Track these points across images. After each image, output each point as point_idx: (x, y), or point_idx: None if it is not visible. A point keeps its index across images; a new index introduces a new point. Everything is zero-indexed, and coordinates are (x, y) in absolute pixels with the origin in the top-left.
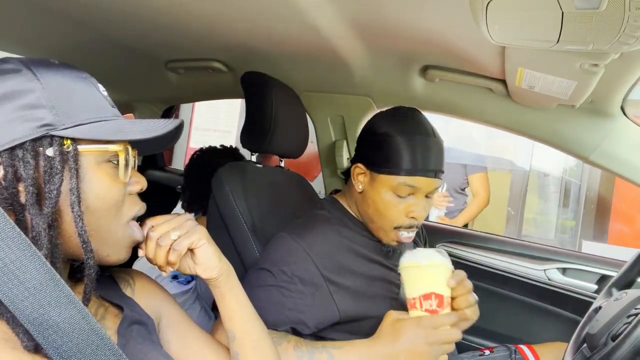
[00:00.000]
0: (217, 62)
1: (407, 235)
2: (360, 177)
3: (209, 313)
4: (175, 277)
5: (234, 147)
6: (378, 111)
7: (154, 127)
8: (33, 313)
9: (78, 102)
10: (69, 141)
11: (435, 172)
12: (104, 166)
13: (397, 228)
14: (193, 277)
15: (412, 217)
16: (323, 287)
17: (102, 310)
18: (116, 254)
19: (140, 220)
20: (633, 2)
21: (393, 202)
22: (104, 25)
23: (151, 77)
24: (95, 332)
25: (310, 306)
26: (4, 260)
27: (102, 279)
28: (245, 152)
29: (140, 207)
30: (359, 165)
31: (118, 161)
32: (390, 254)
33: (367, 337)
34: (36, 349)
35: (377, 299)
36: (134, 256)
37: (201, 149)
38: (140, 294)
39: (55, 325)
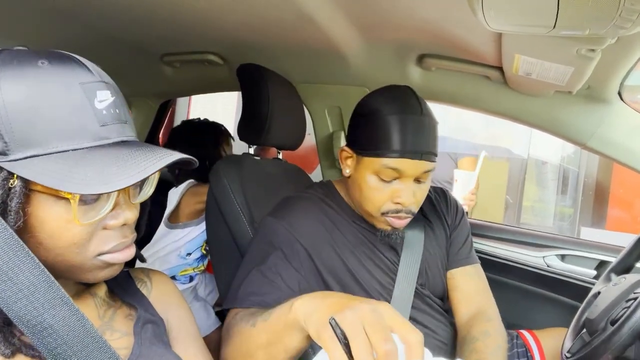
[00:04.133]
0: (212, 54)
1: (398, 222)
2: (348, 160)
3: (208, 310)
4: (173, 277)
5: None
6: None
7: (131, 171)
8: (27, 315)
9: (43, 127)
10: (15, 176)
11: (422, 154)
12: (57, 206)
13: (384, 214)
14: (192, 278)
15: (398, 203)
16: (307, 261)
17: (111, 312)
18: (91, 278)
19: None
20: None
21: (377, 186)
22: (98, 20)
23: (147, 72)
24: (89, 334)
25: (296, 279)
26: None
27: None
28: (242, 145)
29: (117, 243)
30: (345, 148)
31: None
32: (385, 240)
33: None
34: (13, 353)
35: (366, 280)
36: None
37: (183, 121)
38: (156, 295)
39: (49, 327)
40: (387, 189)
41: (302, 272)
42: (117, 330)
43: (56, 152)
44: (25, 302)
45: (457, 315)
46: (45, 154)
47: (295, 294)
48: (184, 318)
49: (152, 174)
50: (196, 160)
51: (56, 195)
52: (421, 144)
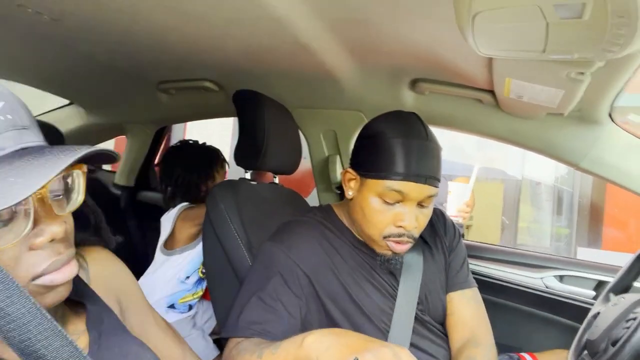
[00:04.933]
0: (208, 81)
1: (399, 247)
2: (352, 182)
3: (206, 338)
4: (172, 306)
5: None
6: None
7: (31, 180)
8: (20, 344)
9: None
10: None
11: (427, 178)
12: None
13: (386, 237)
14: (191, 306)
15: (400, 226)
16: (308, 286)
17: (60, 314)
18: (42, 302)
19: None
20: (615, 10)
21: (380, 209)
22: (94, 48)
23: (143, 99)
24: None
25: (297, 305)
26: None
27: None
28: (239, 170)
29: (51, 262)
30: (349, 170)
31: None
32: (385, 265)
33: None
34: None
35: (367, 305)
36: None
37: (179, 141)
38: (97, 280)
39: (43, 357)
40: (390, 212)
41: (303, 297)
42: (72, 332)
43: None
44: (18, 332)
45: (452, 341)
46: None
47: (297, 321)
48: (129, 290)
49: (55, 177)
50: (114, 152)
51: None
52: (426, 168)
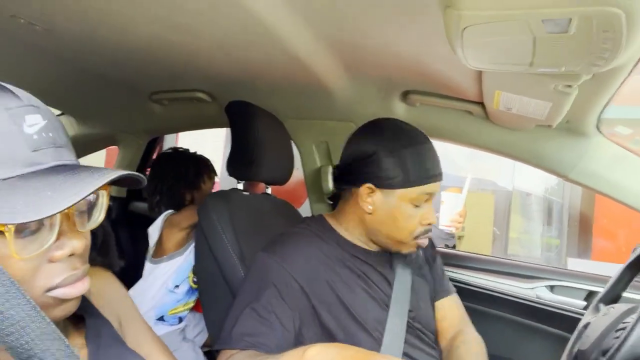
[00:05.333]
0: (201, 92)
1: (425, 241)
2: (370, 198)
3: (196, 350)
4: (161, 318)
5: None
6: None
7: (64, 195)
8: (19, 348)
9: None
10: None
11: (441, 174)
12: None
13: (416, 237)
14: (181, 319)
15: (429, 224)
16: (302, 298)
17: (62, 325)
18: (50, 315)
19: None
20: (600, 25)
21: (412, 213)
22: (87, 59)
23: (135, 109)
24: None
25: (291, 318)
26: None
27: None
28: (231, 181)
29: (66, 276)
30: (369, 185)
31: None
32: (413, 262)
33: None
34: None
35: (362, 314)
36: None
37: (170, 148)
38: (98, 297)
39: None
40: (418, 213)
41: (297, 310)
42: (72, 346)
43: None
44: (17, 335)
45: (443, 342)
46: None
47: (290, 334)
48: (128, 313)
49: (88, 195)
50: (142, 177)
51: None
52: (439, 165)
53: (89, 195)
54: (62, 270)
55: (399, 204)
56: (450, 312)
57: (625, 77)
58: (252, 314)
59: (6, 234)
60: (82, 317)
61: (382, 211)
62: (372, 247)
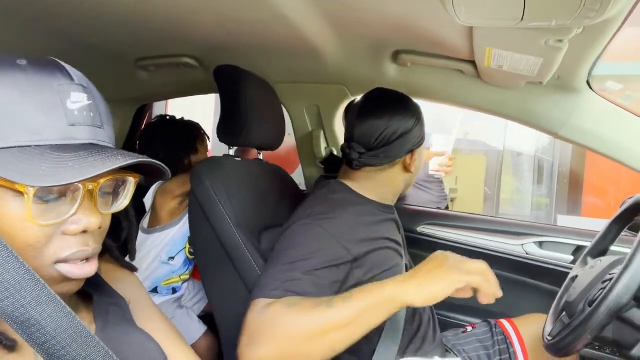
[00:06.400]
0: (188, 57)
1: None
2: (412, 160)
3: (190, 315)
4: (154, 290)
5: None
6: (352, 99)
7: (87, 169)
8: (15, 312)
9: (6, 121)
10: None
11: None
12: (15, 202)
13: None
14: (175, 290)
15: None
16: (349, 264)
17: (74, 301)
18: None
19: None
20: None
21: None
22: (69, 26)
23: (121, 77)
24: (78, 328)
25: (335, 284)
26: None
27: None
28: (223, 147)
29: (76, 251)
30: (415, 150)
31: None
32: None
33: None
34: (14, 347)
35: (393, 267)
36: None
37: (159, 116)
38: (108, 277)
39: (37, 324)
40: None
41: (342, 275)
42: (85, 317)
43: (17, 147)
44: (12, 300)
45: None
46: (4, 148)
47: (329, 293)
48: (133, 288)
49: (105, 172)
50: (165, 167)
51: (12, 189)
52: None
53: (107, 171)
54: (73, 245)
55: (421, 152)
56: None
57: (615, 31)
58: (295, 273)
59: (25, 196)
60: (90, 296)
61: (417, 165)
62: (391, 202)
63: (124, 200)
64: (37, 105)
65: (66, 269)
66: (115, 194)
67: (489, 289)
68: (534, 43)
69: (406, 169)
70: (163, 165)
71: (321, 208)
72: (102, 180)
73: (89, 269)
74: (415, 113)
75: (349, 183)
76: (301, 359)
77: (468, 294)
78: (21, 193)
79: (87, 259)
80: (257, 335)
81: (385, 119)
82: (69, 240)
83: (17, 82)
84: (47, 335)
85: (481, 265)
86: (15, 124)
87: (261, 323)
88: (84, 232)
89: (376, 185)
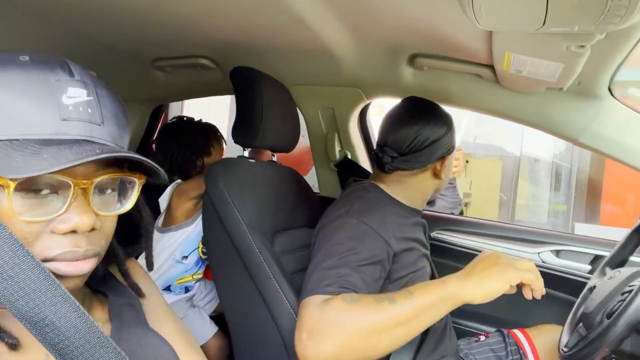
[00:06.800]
0: (204, 58)
1: None
2: (442, 167)
3: (202, 315)
4: (167, 288)
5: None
6: (367, 102)
7: (62, 160)
8: (29, 312)
9: None
10: None
11: None
12: (2, 195)
13: None
14: (188, 289)
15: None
16: (390, 262)
17: (88, 301)
18: None
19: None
20: None
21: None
22: (87, 26)
23: (138, 77)
24: (92, 329)
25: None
26: None
27: None
28: (237, 151)
29: (64, 251)
30: (446, 157)
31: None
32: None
33: None
34: (16, 346)
35: (421, 269)
36: None
37: (175, 117)
38: (121, 277)
39: (51, 324)
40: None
41: (385, 272)
42: (100, 318)
43: (5, 140)
44: (27, 299)
45: None
46: None
47: (375, 290)
48: (147, 288)
49: (68, 167)
50: (156, 166)
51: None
52: None
53: (79, 164)
54: (62, 244)
55: (449, 166)
56: None
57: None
58: (346, 268)
59: (6, 190)
60: (105, 295)
61: (445, 173)
62: (420, 206)
63: (126, 203)
64: (31, 99)
65: (55, 267)
66: (122, 195)
67: (539, 285)
68: (555, 48)
69: (436, 175)
70: (153, 163)
71: (359, 205)
72: (97, 179)
73: (82, 267)
74: (446, 122)
75: (381, 185)
76: (364, 354)
77: (513, 291)
78: (1, 186)
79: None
80: (320, 330)
81: (417, 126)
82: (58, 240)
83: (14, 78)
84: (60, 336)
85: (530, 263)
86: (7, 118)
87: (323, 319)
88: (74, 232)
89: (406, 189)
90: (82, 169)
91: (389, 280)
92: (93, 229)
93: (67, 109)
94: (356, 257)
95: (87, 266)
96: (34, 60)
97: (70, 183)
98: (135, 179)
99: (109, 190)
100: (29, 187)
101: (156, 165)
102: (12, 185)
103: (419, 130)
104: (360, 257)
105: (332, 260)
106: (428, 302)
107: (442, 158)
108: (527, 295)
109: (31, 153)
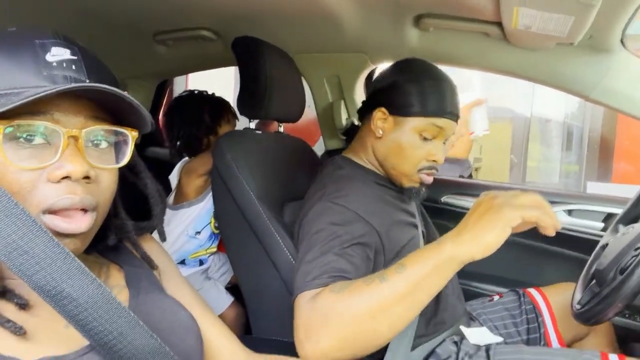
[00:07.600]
0: (205, 30)
1: (428, 178)
2: (381, 122)
3: (218, 287)
4: (182, 262)
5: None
6: (373, 67)
7: (31, 94)
8: (47, 285)
9: None
10: None
11: (457, 116)
12: None
13: (419, 170)
14: (202, 262)
15: (434, 160)
16: (377, 242)
17: (105, 269)
18: None
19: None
20: None
21: (417, 144)
22: (87, 1)
23: (139, 52)
24: (109, 300)
25: (368, 262)
26: (12, 238)
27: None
28: (242, 120)
29: (61, 198)
30: (382, 109)
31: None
32: (414, 196)
33: None
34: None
35: (410, 241)
36: None
37: (186, 91)
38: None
39: (69, 296)
40: (424, 148)
41: (372, 253)
42: (115, 286)
43: None
44: (43, 273)
45: None
46: None
47: (366, 272)
48: (163, 260)
49: (44, 95)
50: (138, 104)
51: None
52: (457, 107)
53: (45, 94)
54: (58, 191)
55: (409, 134)
56: None
57: None
58: (329, 255)
59: None
60: (121, 266)
61: (391, 138)
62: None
63: (123, 158)
64: (16, 58)
65: (54, 222)
66: (119, 152)
67: (548, 220)
68: (564, 0)
69: (373, 126)
70: (132, 98)
71: (332, 187)
72: (86, 129)
73: (78, 223)
74: (428, 84)
75: (351, 155)
76: (365, 341)
77: (527, 227)
78: None
79: (80, 211)
80: (313, 327)
81: (382, 71)
82: (54, 187)
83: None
84: (79, 307)
85: (535, 197)
86: None
87: (314, 315)
88: (69, 179)
89: (362, 147)
90: (73, 120)
91: (384, 264)
92: (88, 177)
93: (50, 65)
94: (339, 241)
95: (84, 223)
96: (21, 29)
97: (60, 131)
98: (127, 132)
99: (105, 144)
100: (20, 133)
101: (136, 102)
102: (1, 130)
103: (383, 72)
104: (343, 240)
105: (314, 251)
106: (423, 272)
107: (386, 112)
108: (542, 232)
109: (14, 95)
